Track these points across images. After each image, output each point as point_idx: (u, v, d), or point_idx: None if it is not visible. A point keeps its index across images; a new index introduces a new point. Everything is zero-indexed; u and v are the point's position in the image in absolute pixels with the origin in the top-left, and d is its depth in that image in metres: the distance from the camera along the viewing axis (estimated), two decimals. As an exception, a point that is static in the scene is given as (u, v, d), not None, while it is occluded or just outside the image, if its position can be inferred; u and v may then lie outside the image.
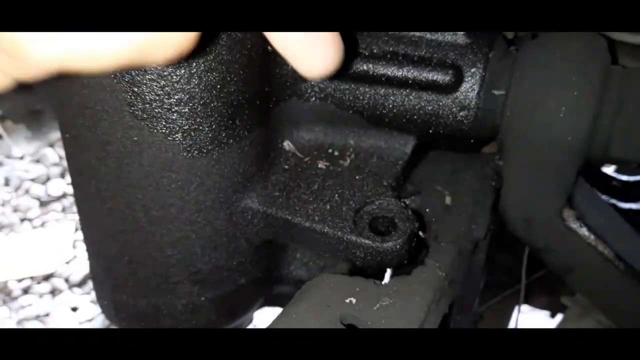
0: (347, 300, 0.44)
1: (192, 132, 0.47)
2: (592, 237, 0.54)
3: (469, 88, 0.50)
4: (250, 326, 0.78)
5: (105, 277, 0.57)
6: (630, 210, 0.83)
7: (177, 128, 0.47)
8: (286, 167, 0.57)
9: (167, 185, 0.49)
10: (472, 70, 0.50)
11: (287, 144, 0.58)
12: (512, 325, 0.75)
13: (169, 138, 0.47)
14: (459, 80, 0.50)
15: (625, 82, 0.48)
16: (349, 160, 0.58)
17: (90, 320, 1.94)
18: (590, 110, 0.47)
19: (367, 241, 0.50)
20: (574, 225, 0.53)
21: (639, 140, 0.49)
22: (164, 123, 0.46)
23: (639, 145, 0.49)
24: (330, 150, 0.58)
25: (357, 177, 0.56)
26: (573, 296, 0.71)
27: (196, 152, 0.48)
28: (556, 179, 0.51)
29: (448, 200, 0.58)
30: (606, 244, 0.54)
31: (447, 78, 0.50)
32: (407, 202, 0.55)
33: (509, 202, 0.55)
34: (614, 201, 0.85)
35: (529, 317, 0.81)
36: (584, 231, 0.54)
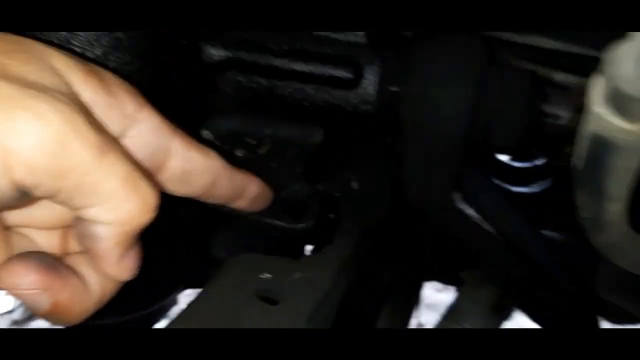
0: (263, 276, 0.49)
1: None
2: (478, 216, 0.62)
3: (368, 84, 0.56)
4: (176, 308, 0.81)
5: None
6: (520, 193, 0.93)
7: None
8: (206, 155, 0.60)
9: None
10: (370, 68, 0.56)
11: (207, 133, 0.62)
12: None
13: None
14: (359, 76, 0.56)
15: (501, 78, 0.56)
16: (265, 149, 0.62)
17: (10, 312, 1.87)
18: (470, 104, 0.54)
19: (281, 223, 0.55)
20: (462, 205, 0.61)
21: (513, 129, 0.57)
22: None
23: (512, 134, 0.57)
24: (247, 140, 0.63)
25: (272, 164, 0.61)
26: (471, 271, 0.80)
27: None
28: (445, 164, 0.58)
29: (355, 184, 0.64)
30: (490, 221, 0.62)
31: (349, 75, 0.56)
32: (318, 188, 0.61)
33: (407, 184, 0.62)
34: (506, 185, 0.94)
35: (433, 292, 0.89)
36: (471, 211, 0.62)
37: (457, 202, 0.60)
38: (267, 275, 0.49)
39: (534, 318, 0.69)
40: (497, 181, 0.96)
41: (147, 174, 0.38)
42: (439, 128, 0.54)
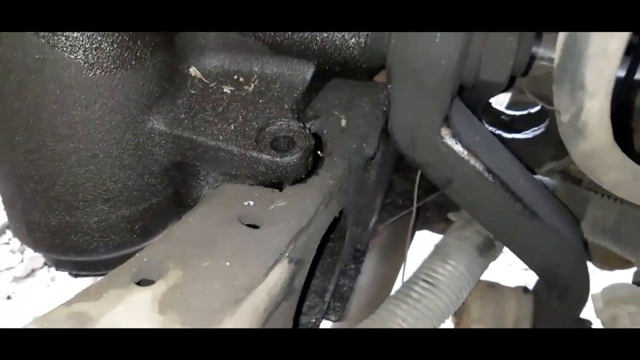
0: (246, 203, 0.49)
1: (93, 51, 0.49)
2: (466, 152, 0.61)
3: None
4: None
5: (16, 197, 0.59)
6: (513, 139, 0.94)
7: (79, 46, 0.49)
8: (192, 91, 0.60)
9: (71, 104, 0.51)
10: None
11: (194, 70, 0.61)
12: (406, 242, 0.83)
13: (70, 56, 0.49)
14: None
15: None
16: (253, 86, 0.62)
17: (9, 269, 1.90)
18: (462, 37, 0.54)
19: (267, 156, 0.55)
20: (450, 141, 0.61)
21: (503, 65, 0.57)
22: (64, 40, 0.48)
23: (501, 69, 0.57)
24: (235, 77, 0.62)
25: (260, 100, 0.60)
26: (458, 212, 0.80)
27: (99, 70, 0.50)
28: (434, 100, 0.58)
29: (344, 122, 0.63)
30: (477, 158, 0.62)
31: None
32: (307, 125, 0.61)
33: (395, 123, 0.61)
34: (500, 132, 0.94)
35: (424, 236, 0.90)
36: (458, 147, 0.61)
37: (445, 138, 0.60)
38: (250, 202, 0.49)
39: (520, 255, 0.69)
40: (491, 128, 0.96)
41: None
42: (429, 60, 0.53)
